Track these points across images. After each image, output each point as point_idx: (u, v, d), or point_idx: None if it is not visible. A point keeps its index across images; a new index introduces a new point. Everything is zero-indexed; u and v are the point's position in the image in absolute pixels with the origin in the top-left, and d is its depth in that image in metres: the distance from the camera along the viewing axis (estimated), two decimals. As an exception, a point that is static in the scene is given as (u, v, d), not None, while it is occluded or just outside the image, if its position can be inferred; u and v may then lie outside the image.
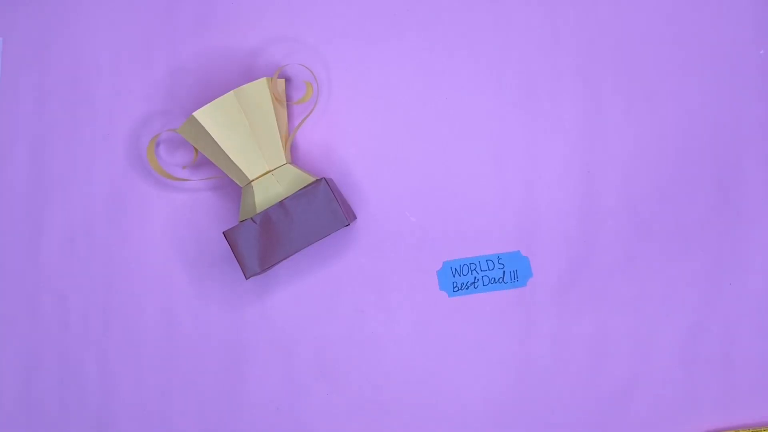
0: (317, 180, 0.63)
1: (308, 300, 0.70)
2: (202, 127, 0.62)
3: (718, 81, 0.69)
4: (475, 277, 0.68)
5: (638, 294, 0.69)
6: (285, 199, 0.62)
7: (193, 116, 0.62)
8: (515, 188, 0.69)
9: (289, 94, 0.70)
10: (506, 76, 0.70)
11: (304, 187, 0.63)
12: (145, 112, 0.71)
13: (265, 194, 0.64)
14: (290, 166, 0.65)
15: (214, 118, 0.63)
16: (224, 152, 0.63)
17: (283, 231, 0.62)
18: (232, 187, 0.70)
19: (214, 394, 0.70)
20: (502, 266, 0.69)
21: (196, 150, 0.68)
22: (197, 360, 0.70)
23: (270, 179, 0.64)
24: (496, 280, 0.68)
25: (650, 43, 0.69)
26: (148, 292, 0.70)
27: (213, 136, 0.63)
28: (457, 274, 0.69)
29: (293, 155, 0.70)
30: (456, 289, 0.69)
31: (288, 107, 0.70)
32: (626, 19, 0.69)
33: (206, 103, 0.64)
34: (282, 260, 0.63)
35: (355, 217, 0.69)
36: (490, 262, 0.68)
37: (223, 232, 0.62)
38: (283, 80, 0.68)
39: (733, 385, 0.68)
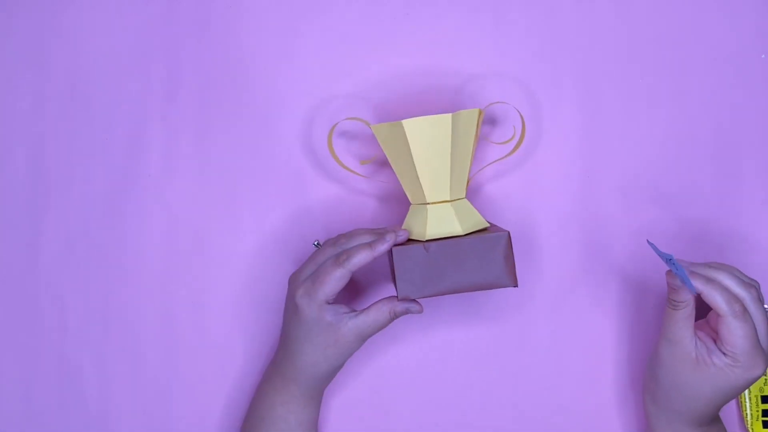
0: (502, 231, 0.61)
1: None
2: (405, 136, 0.61)
3: (718, 85, 0.69)
4: None
5: (638, 298, 0.68)
6: (465, 237, 0.60)
7: (400, 123, 0.61)
8: (515, 192, 0.69)
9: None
10: (505, 81, 0.69)
11: (486, 233, 0.61)
12: (143, 117, 0.70)
13: (439, 222, 0.62)
14: (467, 202, 0.64)
15: (421, 133, 0.61)
16: (415, 167, 0.62)
17: (450, 268, 0.60)
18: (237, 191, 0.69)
19: (212, 398, 0.69)
20: None
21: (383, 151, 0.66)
22: (196, 363, 0.69)
23: (447, 209, 0.62)
24: None
25: (651, 46, 0.69)
26: (147, 296, 0.70)
27: (411, 149, 0.61)
28: None
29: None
30: None
31: (479, 143, 0.68)
32: (628, 22, 0.69)
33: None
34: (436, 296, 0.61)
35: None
36: None
37: (392, 248, 0.60)
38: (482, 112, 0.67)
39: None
